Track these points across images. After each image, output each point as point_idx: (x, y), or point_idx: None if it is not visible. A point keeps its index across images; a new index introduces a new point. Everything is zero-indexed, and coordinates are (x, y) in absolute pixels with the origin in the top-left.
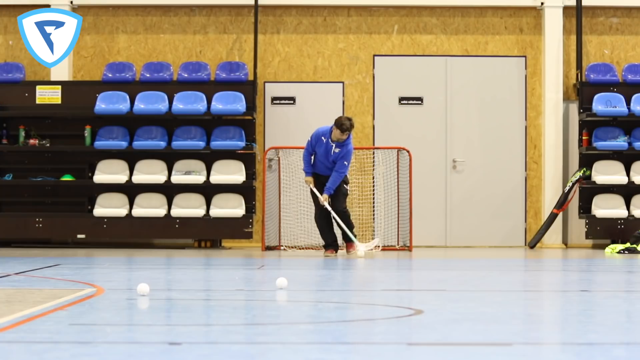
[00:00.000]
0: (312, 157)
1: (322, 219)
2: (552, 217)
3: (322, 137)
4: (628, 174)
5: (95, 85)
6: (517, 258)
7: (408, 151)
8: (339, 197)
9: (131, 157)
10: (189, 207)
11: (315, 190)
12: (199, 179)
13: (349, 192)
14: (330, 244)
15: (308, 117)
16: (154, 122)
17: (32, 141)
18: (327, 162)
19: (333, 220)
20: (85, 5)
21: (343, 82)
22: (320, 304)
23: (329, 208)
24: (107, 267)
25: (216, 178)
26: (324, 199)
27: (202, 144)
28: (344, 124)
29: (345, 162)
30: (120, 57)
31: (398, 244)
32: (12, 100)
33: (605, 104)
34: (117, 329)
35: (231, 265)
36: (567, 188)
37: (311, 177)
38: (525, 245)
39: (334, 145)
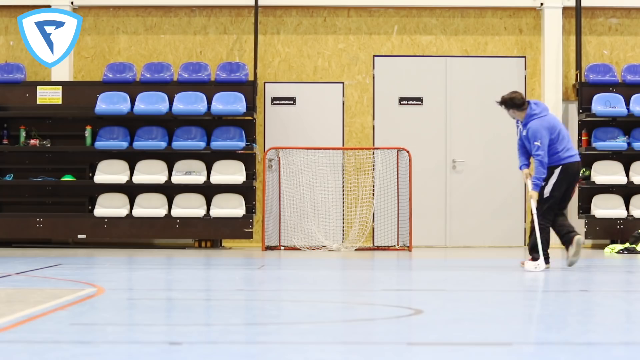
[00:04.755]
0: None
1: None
2: None
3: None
4: (627, 174)
5: (96, 85)
6: (516, 258)
7: (408, 151)
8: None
9: (132, 158)
10: (189, 207)
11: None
12: (199, 179)
13: None
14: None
15: (308, 118)
16: (154, 122)
17: (32, 141)
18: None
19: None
20: (85, 6)
21: (343, 83)
22: (320, 304)
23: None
24: (107, 267)
25: (216, 178)
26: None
27: (202, 144)
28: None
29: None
30: (120, 58)
31: (398, 244)
32: (12, 100)
33: (604, 104)
34: (118, 329)
35: (231, 265)
36: None
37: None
38: (525, 245)
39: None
